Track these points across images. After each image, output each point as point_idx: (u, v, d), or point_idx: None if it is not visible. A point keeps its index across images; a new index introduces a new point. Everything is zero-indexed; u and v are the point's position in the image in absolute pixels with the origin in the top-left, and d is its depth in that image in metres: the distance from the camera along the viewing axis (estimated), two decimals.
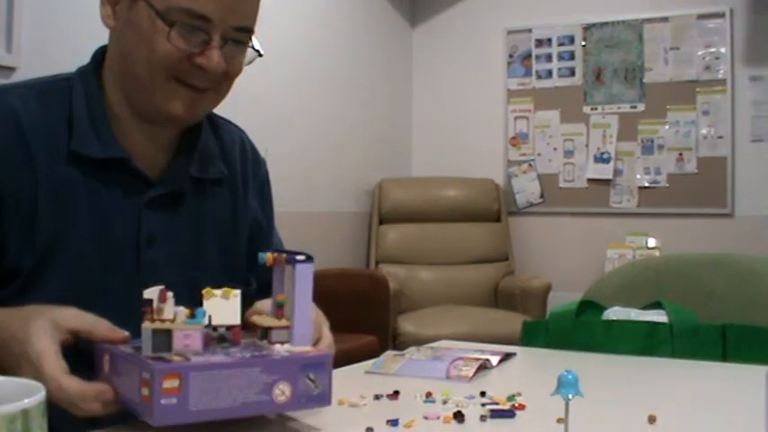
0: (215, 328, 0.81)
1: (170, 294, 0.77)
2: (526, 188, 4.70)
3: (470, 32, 4.84)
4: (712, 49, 4.27)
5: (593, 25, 4.53)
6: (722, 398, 0.99)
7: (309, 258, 0.83)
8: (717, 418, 0.88)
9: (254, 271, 1.09)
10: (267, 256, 0.86)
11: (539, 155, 4.68)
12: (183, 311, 0.77)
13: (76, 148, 0.96)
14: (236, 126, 1.21)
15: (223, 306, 0.80)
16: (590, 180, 4.54)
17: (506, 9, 4.75)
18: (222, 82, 1.00)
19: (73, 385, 0.75)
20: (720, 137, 4.26)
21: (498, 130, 4.77)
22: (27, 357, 0.77)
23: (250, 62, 1.01)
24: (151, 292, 0.77)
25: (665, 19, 4.37)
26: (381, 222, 4.42)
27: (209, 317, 0.79)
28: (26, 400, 0.45)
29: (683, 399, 0.98)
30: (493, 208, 4.52)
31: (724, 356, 1.25)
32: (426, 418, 0.85)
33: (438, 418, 0.85)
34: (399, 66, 4.93)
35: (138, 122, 1.01)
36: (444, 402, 0.91)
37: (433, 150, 4.94)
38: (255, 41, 1.03)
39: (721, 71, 4.25)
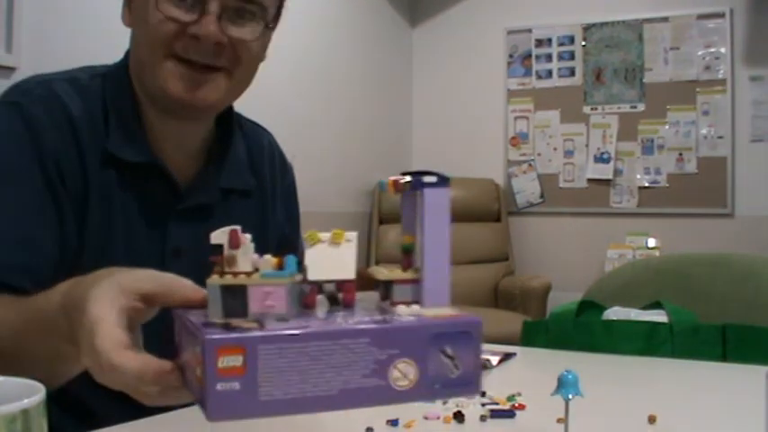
0: (320, 286, 0.58)
1: (247, 237, 0.57)
2: (526, 188, 4.70)
3: (470, 32, 4.84)
4: (712, 49, 4.27)
5: (593, 25, 4.53)
6: (722, 398, 0.99)
7: (443, 180, 0.59)
8: (717, 418, 0.88)
9: None
10: (388, 182, 0.62)
11: (539, 155, 4.68)
12: (268, 260, 0.57)
13: (113, 150, 0.94)
14: (263, 129, 1.17)
15: (331, 255, 0.59)
16: (590, 180, 4.54)
17: (506, 9, 4.75)
18: (234, 64, 0.94)
19: (127, 361, 0.56)
20: (720, 137, 4.26)
21: (498, 130, 4.77)
22: (83, 328, 0.61)
23: (259, 36, 0.95)
24: (219, 235, 0.58)
25: (665, 19, 4.37)
26: (381, 222, 4.42)
27: (308, 269, 0.58)
28: (26, 400, 0.45)
29: (683, 399, 0.98)
30: (493, 208, 4.52)
31: (724, 356, 1.25)
32: (426, 418, 0.85)
33: (438, 418, 0.85)
34: (399, 66, 4.93)
35: (165, 121, 0.98)
36: (444, 402, 0.91)
37: (433, 150, 4.94)
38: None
39: (721, 71, 4.25)
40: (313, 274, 0.58)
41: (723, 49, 4.25)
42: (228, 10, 0.92)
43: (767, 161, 4.16)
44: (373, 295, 0.62)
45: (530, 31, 4.71)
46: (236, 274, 0.56)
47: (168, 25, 0.90)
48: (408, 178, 0.60)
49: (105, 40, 2.80)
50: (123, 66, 1.00)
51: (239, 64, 0.95)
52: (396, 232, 4.37)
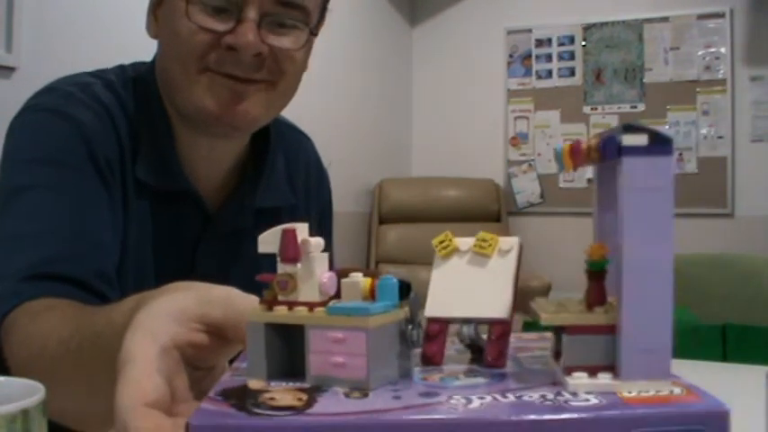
0: (445, 323, 0.36)
1: (315, 243, 0.37)
2: (526, 188, 4.70)
3: (470, 32, 4.84)
4: (712, 49, 4.27)
5: (593, 25, 4.53)
6: (722, 398, 0.99)
7: (662, 142, 0.34)
8: None
9: None
10: (564, 150, 0.38)
11: (539, 155, 4.68)
12: (353, 283, 0.35)
13: (141, 176, 0.87)
14: (303, 135, 1.09)
15: (475, 275, 0.36)
16: (590, 180, 4.52)
17: (506, 9, 4.75)
18: (277, 76, 0.85)
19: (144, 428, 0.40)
20: (720, 137, 4.26)
21: (498, 130, 4.77)
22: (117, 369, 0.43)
23: (301, 46, 0.87)
24: (269, 238, 0.38)
25: (665, 19, 4.37)
26: (381, 222, 4.42)
27: (431, 300, 0.36)
28: (26, 400, 0.45)
29: None
30: (493, 208, 4.52)
31: (724, 356, 1.25)
32: None
33: None
34: (399, 66, 4.93)
35: (196, 139, 0.90)
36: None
37: (432, 150, 4.94)
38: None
39: (721, 71, 4.25)
40: (437, 309, 0.35)
41: (723, 49, 4.25)
42: (268, 17, 0.83)
43: (767, 161, 4.16)
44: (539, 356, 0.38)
45: (530, 31, 4.71)
46: (292, 306, 0.36)
47: (201, 36, 0.81)
48: (597, 140, 0.35)
49: (106, 41, 2.81)
50: (152, 73, 0.92)
51: (282, 76, 0.86)
52: (396, 233, 4.37)
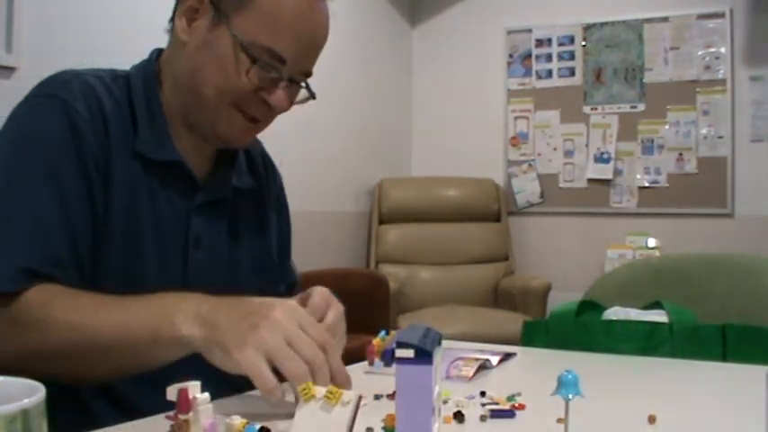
0: None
1: (202, 397, 0.53)
2: (526, 188, 4.70)
3: (470, 32, 4.84)
4: (712, 49, 4.27)
5: (593, 25, 4.53)
6: (722, 398, 0.99)
7: (424, 354, 0.50)
8: (717, 418, 0.88)
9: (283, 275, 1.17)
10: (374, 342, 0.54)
11: (539, 155, 4.68)
12: (232, 426, 0.52)
13: (141, 150, 0.98)
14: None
15: (322, 421, 0.50)
16: (590, 180, 4.54)
17: (506, 9, 4.75)
18: (274, 116, 1.04)
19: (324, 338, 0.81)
20: (720, 137, 4.26)
21: (498, 130, 4.77)
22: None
23: (302, 102, 1.07)
24: (173, 391, 0.54)
25: (665, 19, 4.37)
26: (381, 222, 4.42)
27: None
28: (26, 400, 0.45)
29: (683, 399, 0.98)
30: (493, 208, 4.52)
31: (724, 356, 1.25)
32: None
33: None
34: (399, 66, 4.93)
35: (187, 131, 1.04)
36: (444, 402, 0.91)
37: (433, 150, 4.94)
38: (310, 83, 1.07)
39: (721, 71, 4.25)
40: None
41: (723, 49, 4.25)
42: (293, 81, 1.01)
43: (767, 161, 4.16)
44: None
45: (530, 31, 4.71)
46: None
47: (246, 82, 0.97)
48: (391, 342, 0.49)
49: (106, 41, 2.81)
50: (150, 73, 1.04)
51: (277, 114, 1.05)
52: (396, 232, 4.38)
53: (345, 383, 0.79)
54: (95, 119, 0.95)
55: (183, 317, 0.81)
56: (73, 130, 0.93)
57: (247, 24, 0.96)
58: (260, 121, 1.03)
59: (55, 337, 0.84)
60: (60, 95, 0.95)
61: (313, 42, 1.02)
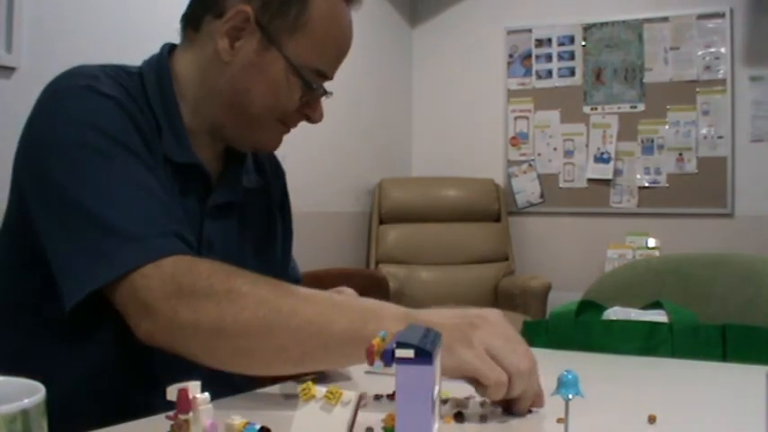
0: None
1: (202, 397, 0.53)
2: (526, 188, 4.70)
3: (470, 32, 4.84)
4: (712, 49, 4.27)
5: (593, 25, 4.53)
6: (722, 398, 0.99)
7: (424, 354, 0.49)
8: (717, 418, 0.88)
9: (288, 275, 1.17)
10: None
11: (539, 155, 4.68)
12: (233, 426, 0.53)
13: (165, 151, 0.98)
14: None
15: (322, 421, 0.50)
16: (590, 180, 4.54)
17: (506, 9, 4.75)
18: None
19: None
20: (720, 137, 4.26)
21: (498, 130, 4.77)
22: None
23: None
24: (173, 391, 0.54)
25: (665, 19, 4.37)
26: (381, 222, 4.42)
27: None
28: (26, 400, 0.45)
29: (683, 399, 0.98)
30: (493, 208, 4.52)
31: (724, 356, 1.25)
32: None
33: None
34: (399, 66, 4.93)
35: (201, 133, 1.04)
36: (444, 402, 0.91)
37: (433, 150, 4.94)
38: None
39: (721, 71, 4.25)
40: None
41: (723, 49, 4.25)
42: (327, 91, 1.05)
43: (767, 161, 4.16)
44: None
45: (530, 31, 4.71)
46: None
47: (294, 101, 1.01)
48: (391, 342, 0.50)
49: (106, 41, 2.81)
50: (164, 73, 1.01)
51: None
52: (396, 233, 4.38)
53: (541, 402, 0.82)
54: (135, 112, 0.94)
55: (391, 317, 0.81)
56: (121, 110, 0.92)
57: (300, 48, 0.98)
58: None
59: (249, 310, 0.81)
60: (94, 85, 0.92)
61: (345, 54, 1.06)
